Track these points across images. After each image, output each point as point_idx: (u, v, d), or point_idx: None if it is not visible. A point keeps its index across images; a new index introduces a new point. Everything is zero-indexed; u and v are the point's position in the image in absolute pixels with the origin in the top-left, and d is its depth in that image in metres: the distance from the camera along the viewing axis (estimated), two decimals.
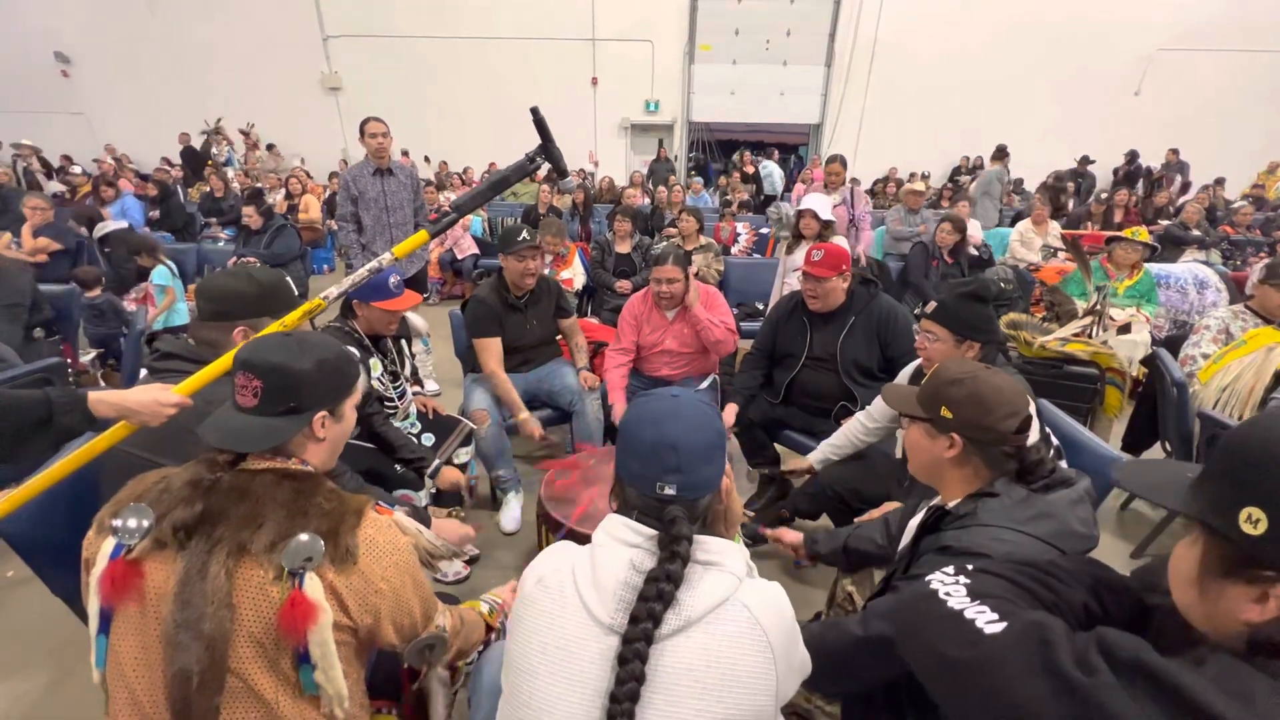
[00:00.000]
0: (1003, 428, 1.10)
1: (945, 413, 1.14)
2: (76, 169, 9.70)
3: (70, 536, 1.00)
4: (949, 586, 0.77)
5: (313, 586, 0.85)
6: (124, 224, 5.26)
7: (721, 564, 0.82)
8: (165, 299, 3.95)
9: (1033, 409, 1.18)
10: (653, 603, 0.76)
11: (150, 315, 3.85)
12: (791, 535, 1.72)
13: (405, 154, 11.17)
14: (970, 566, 0.81)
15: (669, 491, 0.83)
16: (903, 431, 1.40)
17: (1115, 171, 11.28)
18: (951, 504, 1.16)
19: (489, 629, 1.21)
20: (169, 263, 4.03)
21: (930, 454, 1.19)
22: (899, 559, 1.27)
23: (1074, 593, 0.79)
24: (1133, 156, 11.26)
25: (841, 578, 1.65)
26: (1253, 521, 0.59)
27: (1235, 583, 0.61)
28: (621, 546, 0.83)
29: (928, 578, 0.81)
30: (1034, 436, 1.17)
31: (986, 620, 0.69)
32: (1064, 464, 1.76)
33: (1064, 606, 0.77)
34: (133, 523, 0.86)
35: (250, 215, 5.48)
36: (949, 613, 0.73)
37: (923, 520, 1.22)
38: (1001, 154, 6.64)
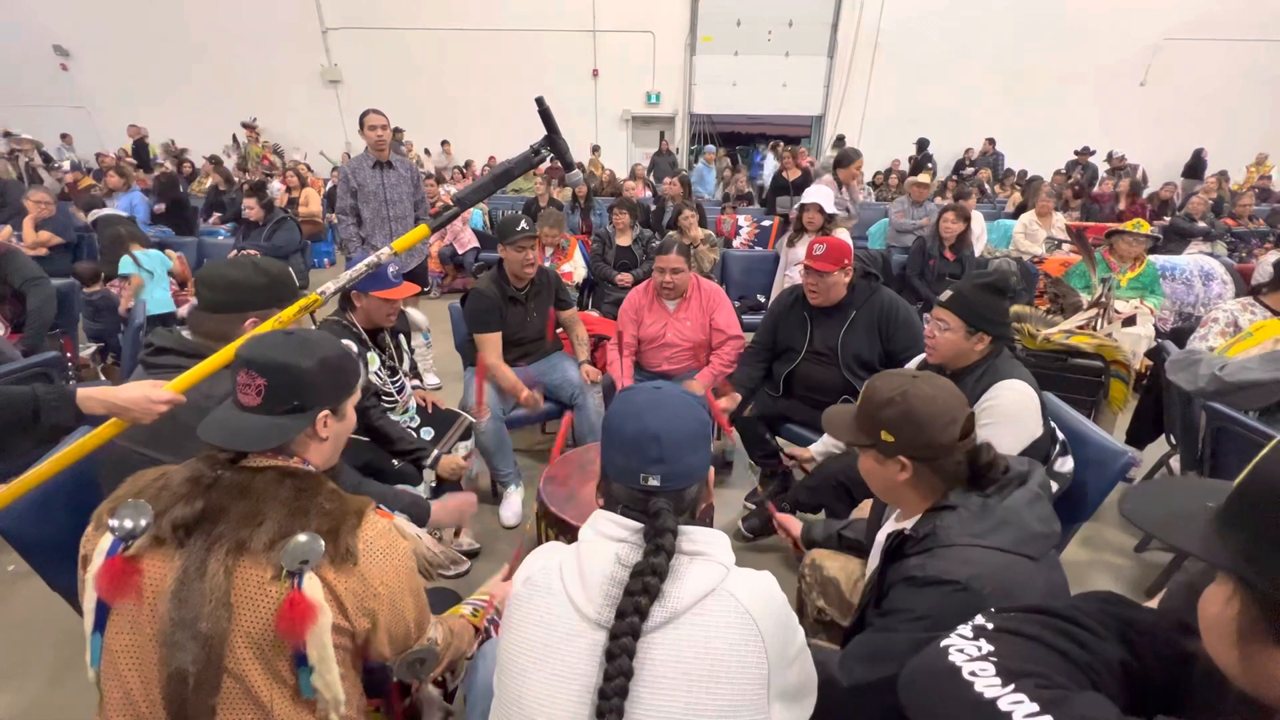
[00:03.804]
0: (945, 439, 1.07)
1: (886, 436, 1.10)
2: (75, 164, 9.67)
3: (68, 533, 0.99)
4: (974, 663, 0.66)
5: (312, 587, 0.84)
6: (120, 212, 5.23)
7: (708, 554, 0.81)
8: (129, 287, 3.85)
9: (970, 410, 1.13)
10: (638, 597, 0.75)
11: (121, 306, 3.79)
12: (796, 526, 1.72)
13: (410, 145, 11.12)
14: (991, 625, 0.71)
15: (653, 483, 0.83)
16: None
17: (910, 159, 11.21)
18: (910, 524, 1.12)
19: (475, 630, 1.20)
20: (133, 253, 3.91)
21: (884, 479, 1.15)
22: (867, 587, 1.22)
23: (1107, 646, 0.69)
24: (922, 144, 11.23)
25: (817, 559, 1.58)
26: None
27: None
28: (607, 542, 0.83)
29: (944, 644, 0.70)
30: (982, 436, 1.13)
31: (1026, 714, 0.59)
32: (1067, 457, 1.75)
33: (1099, 666, 0.68)
34: (130, 520, 0.85)
35: (252, 207, 5.46)
36: (977, 700, 0.62)
37: (885, 548, 1.16)
38: (839, 144, 6.55)
